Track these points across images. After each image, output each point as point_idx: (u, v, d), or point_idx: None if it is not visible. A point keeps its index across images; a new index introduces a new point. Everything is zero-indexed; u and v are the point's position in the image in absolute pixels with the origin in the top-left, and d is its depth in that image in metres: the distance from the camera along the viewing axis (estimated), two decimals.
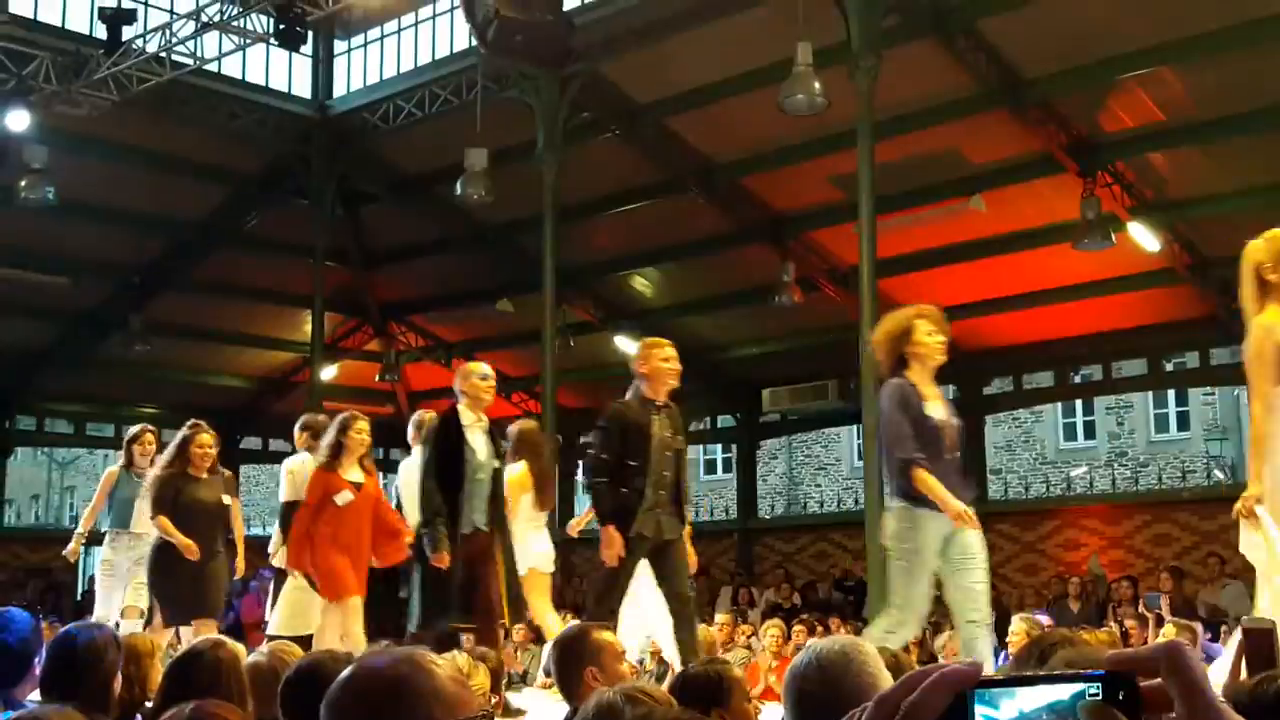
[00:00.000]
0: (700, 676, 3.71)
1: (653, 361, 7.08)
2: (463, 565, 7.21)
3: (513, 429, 8.71)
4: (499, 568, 7.37)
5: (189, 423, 8.75)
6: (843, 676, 2.53)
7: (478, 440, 7.42)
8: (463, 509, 7.27)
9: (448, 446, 7.37)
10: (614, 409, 7.11)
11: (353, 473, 8.03)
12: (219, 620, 8.81)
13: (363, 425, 8.13)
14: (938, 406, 6.20)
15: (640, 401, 7.05)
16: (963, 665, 0.87)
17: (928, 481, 5.94)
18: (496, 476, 7.49)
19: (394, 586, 8.97)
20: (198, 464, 8.60)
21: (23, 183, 14.68)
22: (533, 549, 8.32)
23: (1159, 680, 0.87)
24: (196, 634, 8.01)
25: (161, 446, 9.18)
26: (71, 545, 9.38)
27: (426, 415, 8.79)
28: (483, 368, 7.84)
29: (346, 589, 7.84)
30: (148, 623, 8.71)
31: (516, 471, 8.24)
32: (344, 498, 7.90)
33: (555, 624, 8.48)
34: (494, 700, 4.29)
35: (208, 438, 8.71)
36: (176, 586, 8.40)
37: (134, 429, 9.64)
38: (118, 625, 8.43)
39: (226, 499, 8.93)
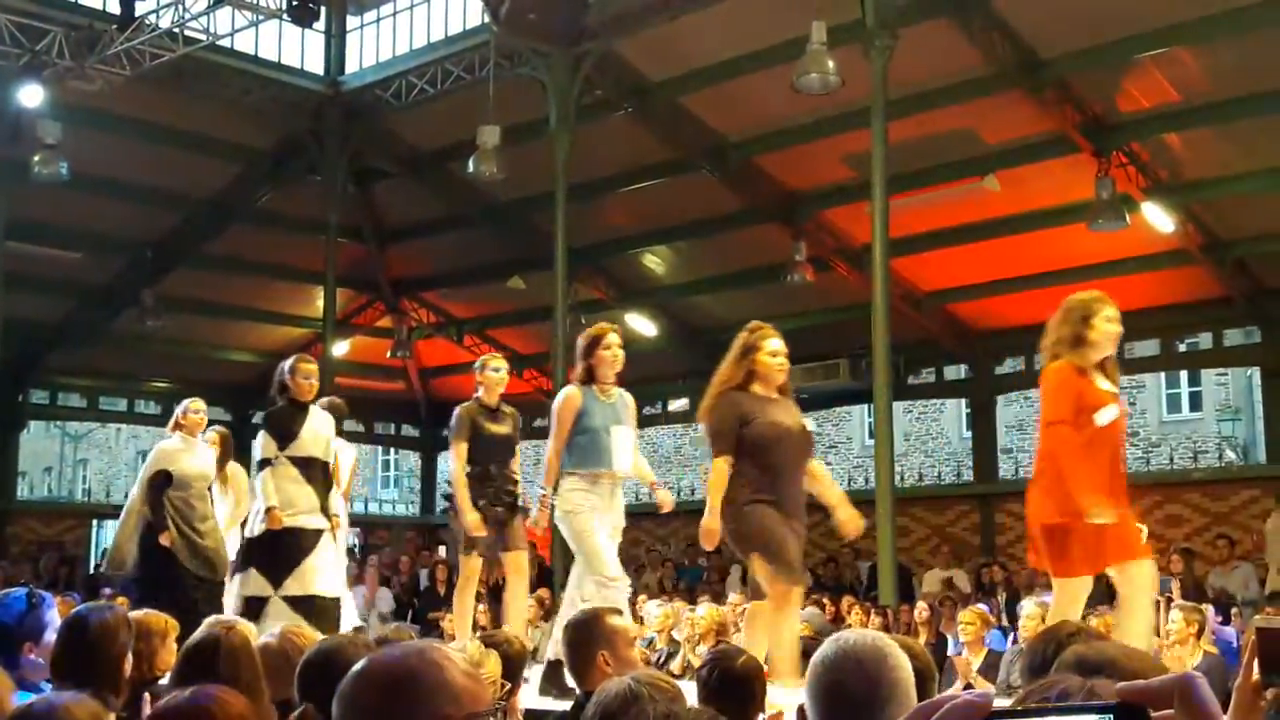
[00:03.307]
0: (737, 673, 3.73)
1: None
2: None
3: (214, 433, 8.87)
4: None
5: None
6: (880, 671, 2.57)
7: None
8: None
9: None
10: None
11: (1102, 379, 5.70)
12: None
13: (1111, 311, 5.68)
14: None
15: None
16: (974, 696, 0.86)
17: None
18: None
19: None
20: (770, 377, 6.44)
21: (36, 158, 14.67)
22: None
23: (1171, 711, 0.87)
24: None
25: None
26: (537, 516, 6.65)
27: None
28: None
29: (1103, 554, 5.48)
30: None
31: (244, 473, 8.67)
32: (1108, 414, 5.60)
33: None
34: (507, 688, 4.28)
35: (778, 343, 6.43)
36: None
37: (590, 331, 6.79)
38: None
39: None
